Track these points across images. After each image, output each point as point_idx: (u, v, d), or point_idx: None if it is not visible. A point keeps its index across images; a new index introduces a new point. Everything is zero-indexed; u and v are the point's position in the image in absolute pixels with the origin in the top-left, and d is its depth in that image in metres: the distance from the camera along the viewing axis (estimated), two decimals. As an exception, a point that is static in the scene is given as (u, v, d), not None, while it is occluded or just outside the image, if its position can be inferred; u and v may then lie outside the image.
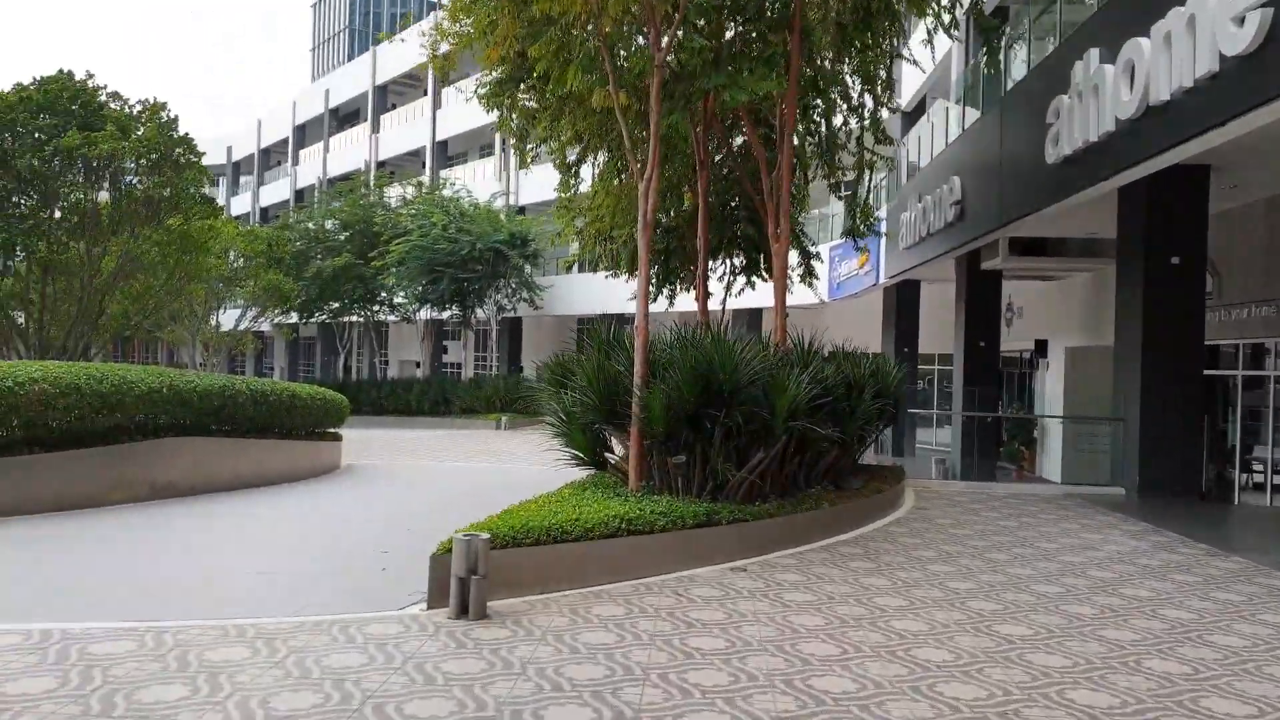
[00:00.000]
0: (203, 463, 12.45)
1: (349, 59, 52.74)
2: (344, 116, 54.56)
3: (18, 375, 9.36)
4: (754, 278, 16.29)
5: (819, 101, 12.24)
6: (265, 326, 37.46)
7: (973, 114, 16.05)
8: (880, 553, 7.84)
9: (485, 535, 5.66)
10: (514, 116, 12.72)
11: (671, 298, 17.80)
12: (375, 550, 8.43)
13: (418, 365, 42.16)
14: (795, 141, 12.17)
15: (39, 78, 22.45)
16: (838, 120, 12.88)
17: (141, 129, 22.48)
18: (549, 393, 8.75)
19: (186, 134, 23.64)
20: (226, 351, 31.90)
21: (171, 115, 23.29)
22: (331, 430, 17.51)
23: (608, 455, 8.69)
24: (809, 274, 16.69)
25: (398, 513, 11.46)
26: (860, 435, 10.43)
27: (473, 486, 14.66)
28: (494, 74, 11.81)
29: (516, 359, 40.26)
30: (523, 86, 11.84)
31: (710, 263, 17.17)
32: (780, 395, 7.71)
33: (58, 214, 22.12)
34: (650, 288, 18.20)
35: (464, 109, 43.38)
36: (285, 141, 58.34)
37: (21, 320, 22.27)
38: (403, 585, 6.66)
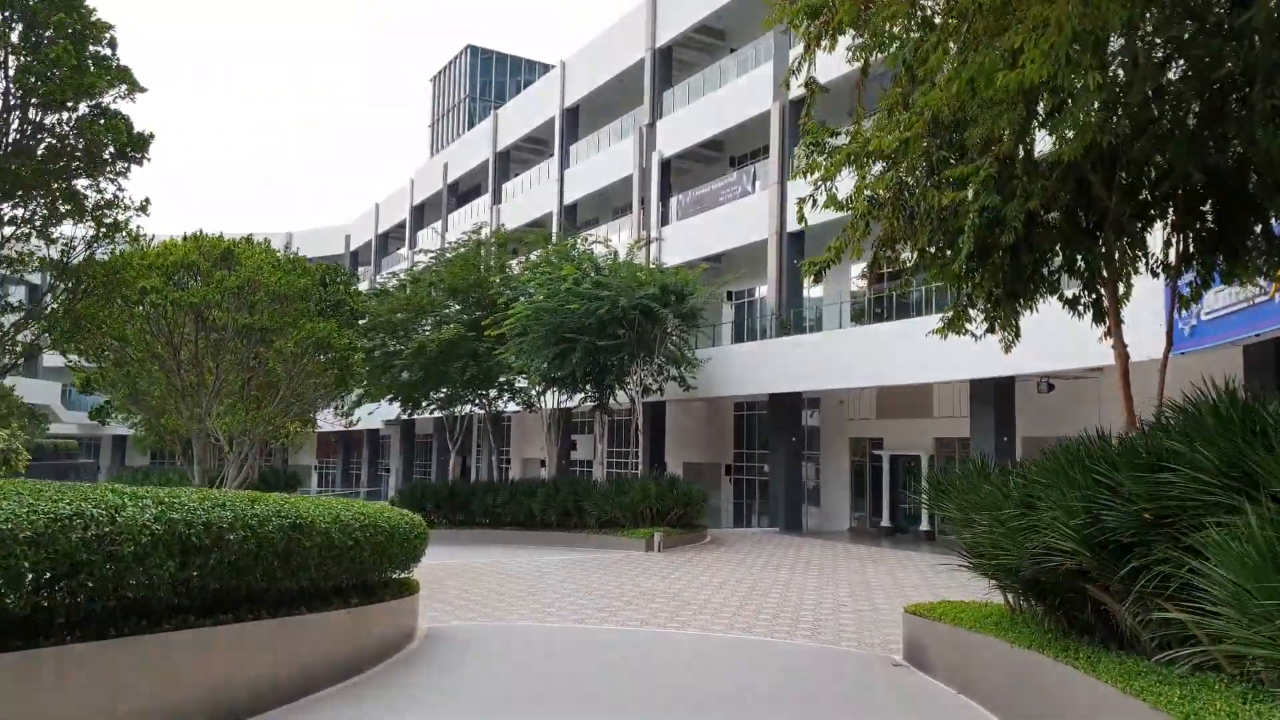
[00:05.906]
0: (66, 703, 5.11)
1: (469, 129, 48.47)
2: (464, 193, 50.01)
3: None
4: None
5: None
6: (381, 420, 31.27)
7: None
8: None
9: None
10: None
11: (1013, 336, 9.39)
12: None
13: (543, 464, 35.33)
14: None
15: None
16: None
17: None
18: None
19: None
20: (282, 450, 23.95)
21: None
22: (398, 576, 10.17)
23: None
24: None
25: None
26: None
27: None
28: None
29: (660, 455, 32.88)
30: None
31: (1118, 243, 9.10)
32: None
33: None
34: (968, 314, 10.26)
35: (595, 164, 37.61)
36: (403, 225, 54.33)
37: None
38: None
